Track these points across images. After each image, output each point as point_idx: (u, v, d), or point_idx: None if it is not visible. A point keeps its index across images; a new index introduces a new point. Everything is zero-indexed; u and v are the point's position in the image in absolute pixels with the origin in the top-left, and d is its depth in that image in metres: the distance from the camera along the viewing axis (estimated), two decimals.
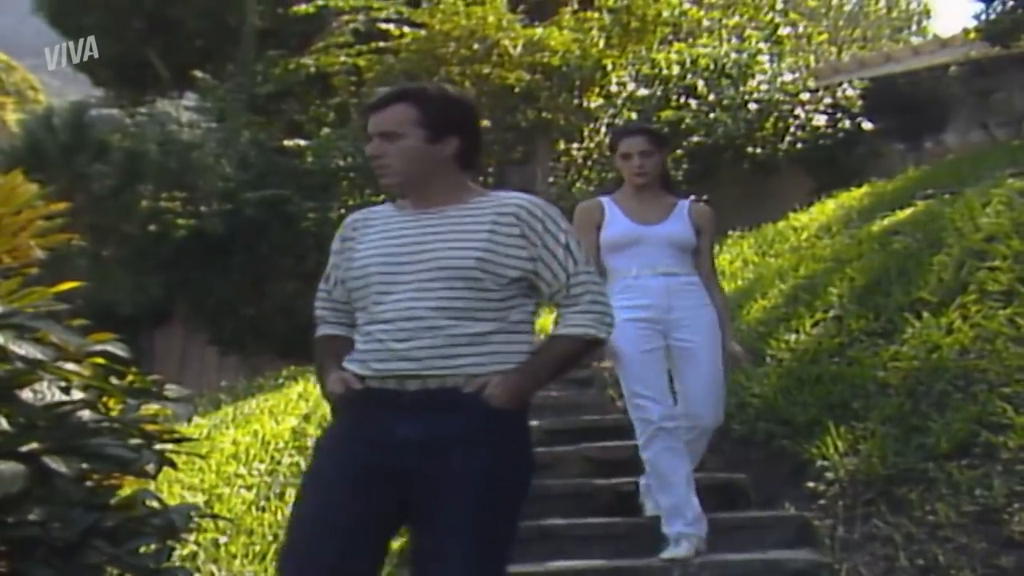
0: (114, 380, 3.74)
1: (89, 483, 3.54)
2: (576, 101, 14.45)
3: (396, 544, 3.14)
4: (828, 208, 10.94)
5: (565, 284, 2.90)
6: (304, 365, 10.67)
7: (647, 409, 4.73)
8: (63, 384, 3.47)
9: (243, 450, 6.94)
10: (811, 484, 5.13)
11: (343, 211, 14.17)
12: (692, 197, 5.38)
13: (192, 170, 15.51)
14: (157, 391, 3.70)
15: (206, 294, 15.36)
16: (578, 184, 13.92)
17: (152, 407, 3.71)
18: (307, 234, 14.39)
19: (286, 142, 15.36)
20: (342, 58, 15.54)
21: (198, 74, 16.93)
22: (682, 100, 13.89)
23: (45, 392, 3.40)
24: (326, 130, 15.77)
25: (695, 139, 13.30)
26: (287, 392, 9.27)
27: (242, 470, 6.53)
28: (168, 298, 15.77)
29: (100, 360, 3.73)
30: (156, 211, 14.93)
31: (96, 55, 19.50)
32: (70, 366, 3.46)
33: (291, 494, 5.35)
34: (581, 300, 2.91)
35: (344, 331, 3.04)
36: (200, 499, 5.90)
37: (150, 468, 3.60)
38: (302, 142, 15.31)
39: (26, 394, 3.35)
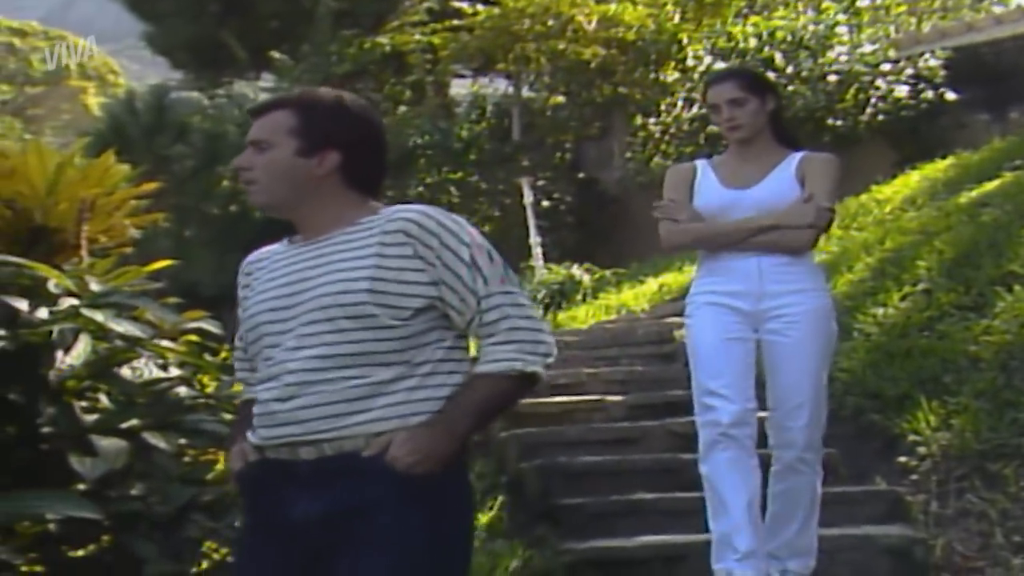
0: (208, 357, 3.80)
1: (187, 458, 3.61)
2: (652, 75, 14.38)
3: None
4: (912, 180, 10.75)
5: (476, 310, 2.38)
6: None
7: (715, 410, 3.88)
8: (160, 361, 3.53)
9: None
10: (903, 459, 5.06)
11: (421, 188, 14.25)
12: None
13: None
14: None
15: None
16: (656, 159, 13.84)
17: None
18: None
19: None
20: (416, 36, 15.64)
21: (274, 55, 17.10)
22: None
23: (143, 369, 3.46)
24: (402, 108, 15.84)
25: None
26: None
27: None
28: None
29: (194, 337, 3.80)
30: (236, 191, 15.11)
31: (174, 38, 19.81)
32: (166, 343, 3.52)
33: None
34: (498, 328, 2.39)
35: None
36: None
37: None
38: None
39: (125, 371, 3.42)
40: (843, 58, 13.74)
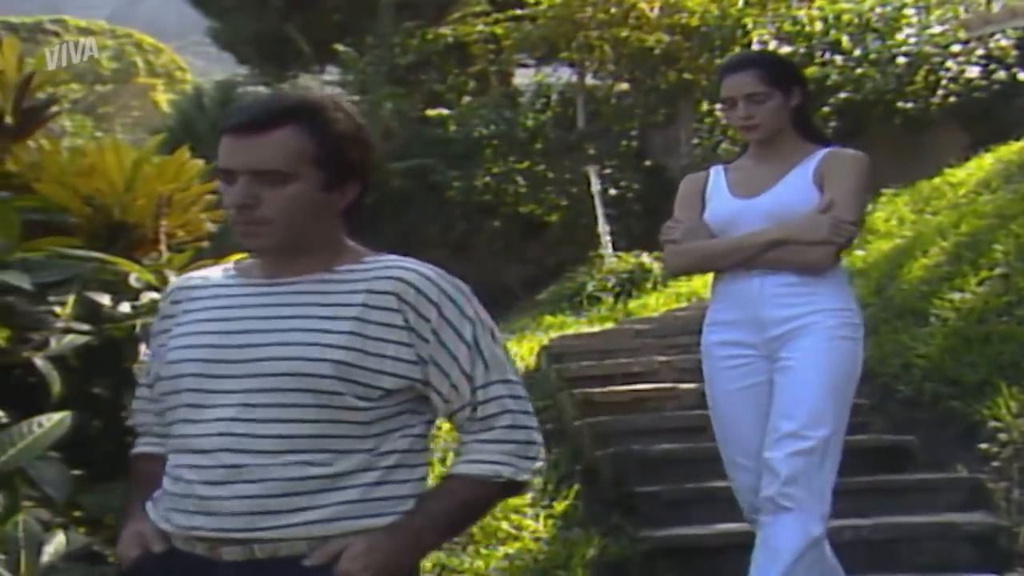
0: None
1: None
2: (717, 61, 14.25)
3: None
4: (986, 163, 10.56)
5: (469, 400, 1.98)
6: None
7: (738, 489, 3.47)
8: None
9: None
10: (983, 446, 5.00)
11: (488, 179, 14.26)
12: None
13: None
14: None
15: None
16: (724, 145, 13.73)
17: None
18: (453, 203, 14.52)
19: (428, 112, 15.53)
20: (479, 27, 15.69)
21: (339, 48, 17.20)
22: (826, 57, 13.57)
23: None
24: (467, 99, 15.87)
25: (843, 95, 13.00)
26: None
27: None
28: None
29: None
30: None
31: (238, 34, 20.02)
32: None
33: (451, 458, 5.42)
34: (495, 424, 1.98)
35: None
36: None
37: None
38: (444, 111, 15.46)
39: None
40: (912, 40, 13.53)
